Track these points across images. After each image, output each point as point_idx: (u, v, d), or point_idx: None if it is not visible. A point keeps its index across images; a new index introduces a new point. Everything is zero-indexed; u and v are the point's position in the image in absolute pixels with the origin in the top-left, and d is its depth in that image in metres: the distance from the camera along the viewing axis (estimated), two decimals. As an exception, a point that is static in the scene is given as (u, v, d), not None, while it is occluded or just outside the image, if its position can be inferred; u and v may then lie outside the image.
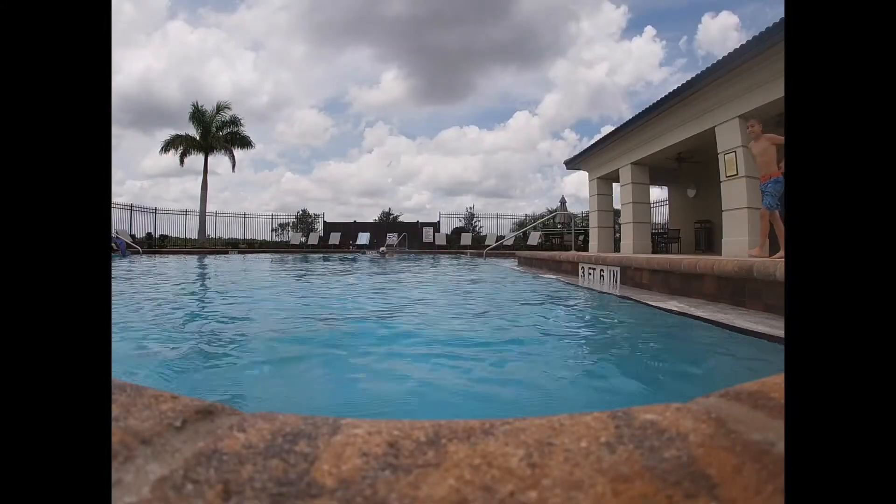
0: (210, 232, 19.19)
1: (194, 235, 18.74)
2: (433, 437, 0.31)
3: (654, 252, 8.30)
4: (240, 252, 15.94)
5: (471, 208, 24.17)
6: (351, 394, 1.43)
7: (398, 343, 2.12)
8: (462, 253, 15.74)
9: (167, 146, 18.31)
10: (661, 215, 13.20)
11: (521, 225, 20.35)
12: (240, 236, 20.43)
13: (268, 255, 14.24)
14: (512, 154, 57.99)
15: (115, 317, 2.49)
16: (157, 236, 17.30)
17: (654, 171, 8.68)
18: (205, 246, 17.18)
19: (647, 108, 7.12)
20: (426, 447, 0.29)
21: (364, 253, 15.37)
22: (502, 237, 18.00)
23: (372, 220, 21.99)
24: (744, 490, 0.24)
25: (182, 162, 18.38)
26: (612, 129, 8.55)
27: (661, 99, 6.67)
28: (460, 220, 22.12)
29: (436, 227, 19.59)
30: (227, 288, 4.68)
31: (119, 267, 7.27)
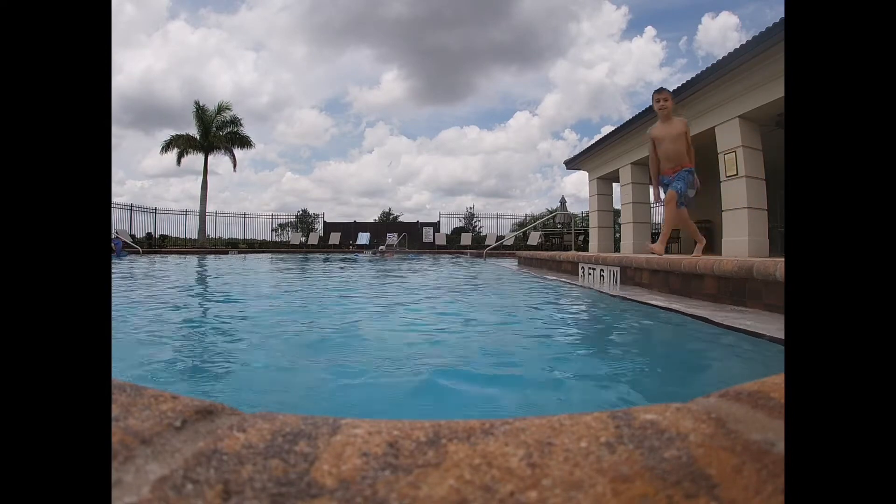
0: (210, 232, 19.22)
1: (194, 235, 18.76)
2: (433, 437, 0.31)
3: (654, 252, 8.29)
4: (240, 252, 15.94)
5: (471, 208, 24.20)
6: (350, 393, 1.43)
7: (397, 341, 2.12)
8: (462, 253, 15.75)
9: (167, 146, 18.33)
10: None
11: (521, 225, 20.34)
12: (240, 236, 20.46)
13: (268, 255, 14.24)
14: (512, 154, 58.02)
15: (114, 316, 2.49)
16: (156, 236, 17.32)
17: (654, 171, 8.67)
18: (205, 246, 17.19)
19: (646, 109, 7.11)
20: (426, 447, 0.29)
21: (363, 252, 15.36)
22: (502, 237, 17.99)
23: (372, 220, 22.00)
24: (744, 490, 0.24)
25: (179, 162, 18.41)
26: (612, 129, 8.55)
27: (661, 99, 6.66)
28: (460, 220, 22.15)
29: (436, 227, 19.59)
30: (225, 288, 4.68)
31: (116, 266, 7.27)
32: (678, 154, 3.27)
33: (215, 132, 18.50)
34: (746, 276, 2.74)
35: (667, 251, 9.19)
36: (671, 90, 6.33)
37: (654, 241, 8.88)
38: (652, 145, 3.67)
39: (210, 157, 18.72)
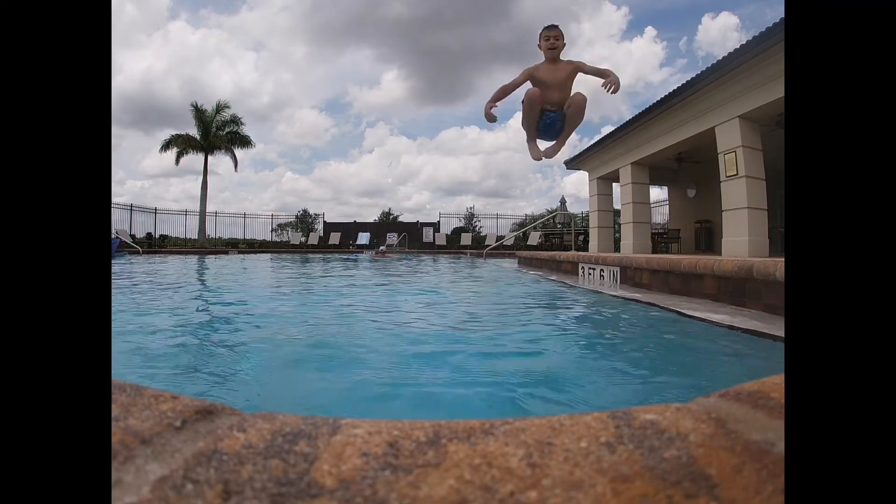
0: (210, 232, 19.18)
1: (194, 235, 18.73)
2: (433, 437, 0.31)
3: (654, 252, 8.30)
4: (240, 252, 15.92)
5: (471, 208, 24.12)
6: (351, 393, 1.43)
7: (398, 342, 2.12)
8: (462, 253, 15.75)
9: (167, 145, 18.29)
10: (661, 215, 13.20)
11: (521, 225, 20.32)
12: (240, 236, 20.43)
13: (267, 255, 14.23)
14: (512, 154, 57.84)
15: (113, 316, 2.48)
16: (156, 236, 17.30)
17: (654, 171, 8.67)
18: (205, 246, 17.17)
19: (647, 109, 7.10)
20: (426, 447, 0.29)
21: (363, 252, 15.33)
22: (502, 237, 17.98)
23: (372, 220, 21.97)
24: (744, 490, 0.24)
25: (178, 162, 18.36)
26: (612, 129, 8.54)
27: (661, 99, 6.66)
28: (460, 220, 22.11)
29: (436, 227, 19.57)
30: (225, 288, 4.68)
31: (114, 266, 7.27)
32: (564, 102, 2.79)
33: (215, 132, 18.46)
34: (746, 276, 2.74)
35: (667, 251, 9.20)
36: (671, 90, 6.35)
37: (653, 244, 8.42)
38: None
39: (210, 157, 18.68)
